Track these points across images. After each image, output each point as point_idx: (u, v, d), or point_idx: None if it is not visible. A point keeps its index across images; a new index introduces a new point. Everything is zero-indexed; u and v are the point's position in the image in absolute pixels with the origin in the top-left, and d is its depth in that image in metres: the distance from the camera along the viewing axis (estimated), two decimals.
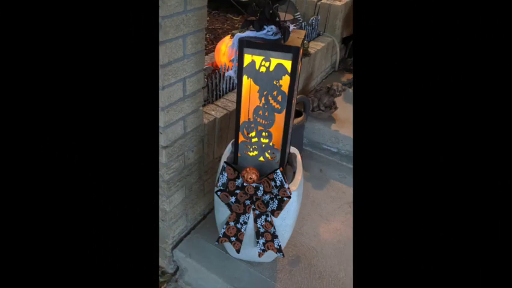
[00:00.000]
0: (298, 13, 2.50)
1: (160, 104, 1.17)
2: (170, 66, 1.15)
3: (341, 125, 2.21)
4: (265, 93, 1.16)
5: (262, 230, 1.31)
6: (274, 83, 1.13)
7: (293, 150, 1.41)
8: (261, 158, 1.27)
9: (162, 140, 1.25)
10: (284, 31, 1.09)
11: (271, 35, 1.11)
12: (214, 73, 1.64)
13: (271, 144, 1.24)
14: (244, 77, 1.15)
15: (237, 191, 1.25)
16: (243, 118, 1.21)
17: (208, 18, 2.77)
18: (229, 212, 1.31)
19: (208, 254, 1.50)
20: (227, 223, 1.32)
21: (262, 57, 1.11)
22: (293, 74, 1.11)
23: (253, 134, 1.24)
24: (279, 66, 1.11)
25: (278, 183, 1.20)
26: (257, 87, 1.15)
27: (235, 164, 1.30)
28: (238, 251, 1.37)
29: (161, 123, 1.21)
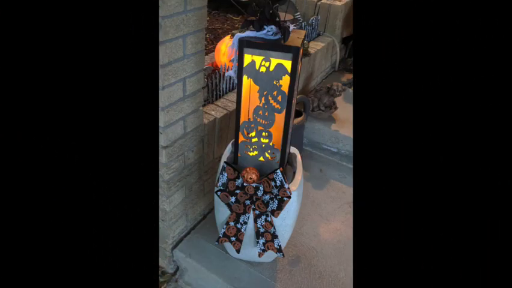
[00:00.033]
0: (298, 13, 2.50)
1: (160, 104, 1.17)
2: (170, 66, 1.15)
3: (341, 125, 2.21)
4: (265, 93, 1.16)
5: (262, 230, 1.31)
6: (274, 83, 1.13)
7: (293, 150, 1.41)
8: (261, 158, 1.27)
9: (162, 140, 1.25)
10: (284, 31, 1.09)
11: (271, 35, 1.11)
12: (214, 73, 1.64)
13: (271, 144, 1.24)
14: (244, 77, 1.15)
15: (237, 191, 1.25)
16: (243, 118, 1.21)
17: (208, 18, 2.77)
18: (229, 212, 1.31)
19: (208, 254, 1.50)
20: (227, 223, 1.32)
21: (262, 57, 1.11)
22: (293, 74, 1.11)
23: (253, 134, 1.24)
24: (279, 66, 1.11)
25: (278, 183, 1.20)
26: (257, 87, 1.15)
27: (235, 164, 1.30)
28: (238, 251, 1.37)
29: (161, 123, 1.21)
